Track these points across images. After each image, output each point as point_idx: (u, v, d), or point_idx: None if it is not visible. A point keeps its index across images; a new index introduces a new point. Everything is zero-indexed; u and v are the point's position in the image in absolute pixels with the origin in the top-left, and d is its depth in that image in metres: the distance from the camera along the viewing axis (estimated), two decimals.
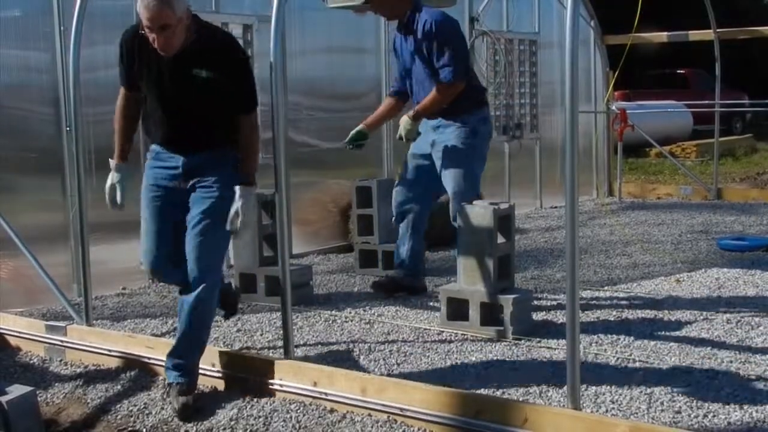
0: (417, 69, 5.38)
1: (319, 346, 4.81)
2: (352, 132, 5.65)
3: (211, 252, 4.04)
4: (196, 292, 3.98)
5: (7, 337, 5.10)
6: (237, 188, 4.00)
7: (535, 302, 5.33)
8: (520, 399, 3.88)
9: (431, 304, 5.57)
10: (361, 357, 4.57)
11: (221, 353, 4.37)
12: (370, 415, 3.80)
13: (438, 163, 5.39)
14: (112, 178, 4.27)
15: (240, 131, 4.06)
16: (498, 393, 4.00)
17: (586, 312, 5.20)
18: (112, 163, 4.27)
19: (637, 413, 3.69)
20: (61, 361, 4.81)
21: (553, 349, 4.55)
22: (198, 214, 4.02)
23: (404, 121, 5.36)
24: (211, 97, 3.98)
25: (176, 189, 4.13)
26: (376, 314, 5.43)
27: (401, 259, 5.72)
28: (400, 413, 3.72)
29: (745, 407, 3.73)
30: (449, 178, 5.34)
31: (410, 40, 5.36)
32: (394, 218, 5.71)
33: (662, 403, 3.78)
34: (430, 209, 5.72)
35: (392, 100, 5.74)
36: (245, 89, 4.04)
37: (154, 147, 4.22)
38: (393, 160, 8.20)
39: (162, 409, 4.06)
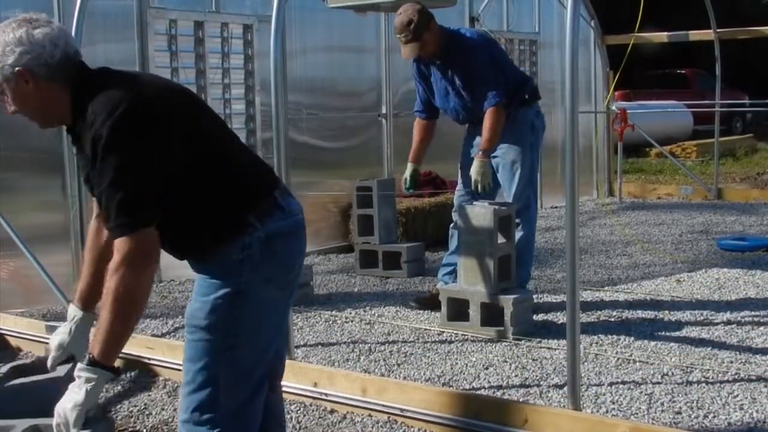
0: (460, 95, 5.17)
1: (320, 346, 4.81)
2: (407, 175, 5.42)
3: None
4: None
5: (7, 338, 5.09)
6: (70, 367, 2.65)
7: (535, 302, 5.32)
8: (520, 399, 3.88)
9: None
10: (362, 357, 4.57)
11: None
12: (370, 415, 3.80)
13: (495, 161, 5.22)
14: None
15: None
16: (498, 393, 4.00)
17: (586, 312, 5.20)
18: None
19: (637, 413, 3.69)
20: None
21: (553, 349, 4.54)
22: None
23: (477, 166, 5.06)
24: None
25: None
26: (376, 315, 5.42)
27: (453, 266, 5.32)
28: (401, 414, 3.72)
29: (746, 407, 3.72)
30: (508, 178, 5.21)
31: (450, 70, 5.14)
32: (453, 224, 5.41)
33: (662, 404, 3.78)
34: None
35: (425, 123, 5.49)
36: (99, 184, 2.38)
37: None
38: (393, 160, 8.20)
39: (162, 409, 4.06)
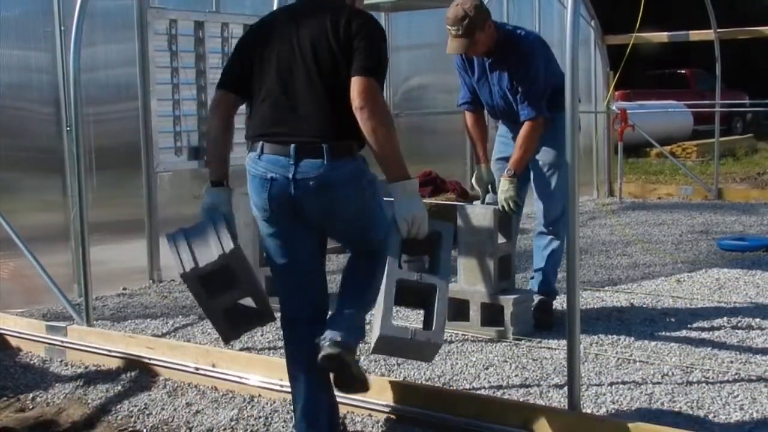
0: (504, 96, 4.95)
1: None
2: (485, 180, 5.02)
3: None
4: None
5: (8, 338, 5.10)
6: None
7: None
8: (520, 399, 3.89)
9: None
10: (361, 357, 4.57)
11: (221, 354, 4.37)
12: (370, 415, 3.80)
13: (530, 165, 5.00)
14: None
15: None
16: (498, 393, 4.00)
17: (586, 312, 5.20)
18: None
19: (637, 413, 3.69)
20: (61, 361, 4.81)
21: (553, 349, 4.54)
22: None
23: (504, 187, 4.79)
24: None
25: None
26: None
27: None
28: (401, 414, 3.72)
29: (746, 408, 3.73)
30: (546, 184, 5.01)
31: (499, 70, 4.89)
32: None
33: (662, 404, 3.78)
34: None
35: (476, 116, 5.13)
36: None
37: None
38: None
39: (162, 409, 4.06)
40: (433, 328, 3.18)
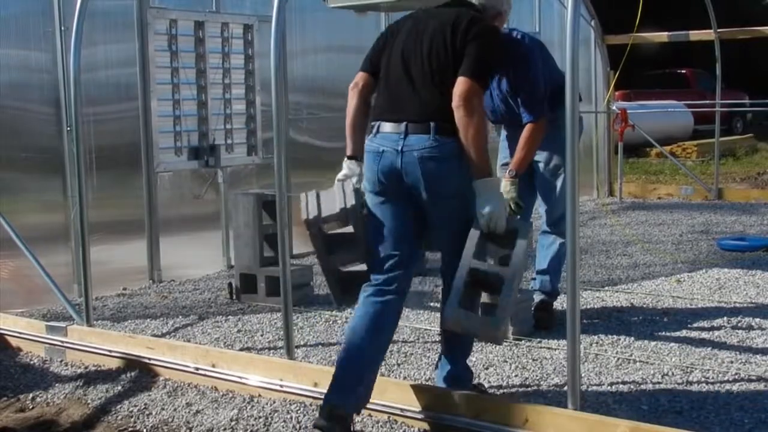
0: (505, 100, 4.95)
1: (320, 346, 4.81)
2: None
3: None
4: None
5: (8, 338, 5.10)
6: None
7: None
8: (521, 399, 3.88)
9: (431, 304, 5.57)
10: None
11: (221, 354, 4.37)
12: (370, 415, 3.80)
13: (534, 165, 5.00)
14: None
15: None
16: (498, 393, 4.00)
17: (586, 312, 5.20)
18: None
19: (637, 413, 3.69)
20: (61, 361, 4.81)
21: (553, 349, 4.54)
22: None
23: (506, 188, 4.73)
24: None
25: None
26: None
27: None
28: (401, 413, 3.72)
29: (746, 407, 3.72)
30: (550, 185, 5.01)
31: (498, 74, 4.84)
32: None
33: (663, 404, 3.78)
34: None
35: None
36: None
37: None
38: None
39: (162, 409, 4.06)
40: (497, 312, 3.51)
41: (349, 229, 3.65)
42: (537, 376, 4.20)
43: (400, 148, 3.52)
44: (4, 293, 5.60)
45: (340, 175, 3.78)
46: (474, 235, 3.50)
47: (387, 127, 3.58)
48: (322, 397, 3.91)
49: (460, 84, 3.44)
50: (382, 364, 4.43)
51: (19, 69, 5.91)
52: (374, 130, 3.64)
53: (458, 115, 3.43)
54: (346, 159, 3.77)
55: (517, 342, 4.70)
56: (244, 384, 4.17)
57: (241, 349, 4.75)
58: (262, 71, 7.06)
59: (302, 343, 4.85)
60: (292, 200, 4.45)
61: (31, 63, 5.95)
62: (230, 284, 6.01)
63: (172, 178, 6.66)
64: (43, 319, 5.29)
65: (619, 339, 4.73)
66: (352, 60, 8.14)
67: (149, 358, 4.51)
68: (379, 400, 3.77)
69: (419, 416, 3.68)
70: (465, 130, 3.41)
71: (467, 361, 3.87)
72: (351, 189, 3.68)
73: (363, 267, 3.70)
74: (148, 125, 6.42)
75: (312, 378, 4.00)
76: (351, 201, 3.63)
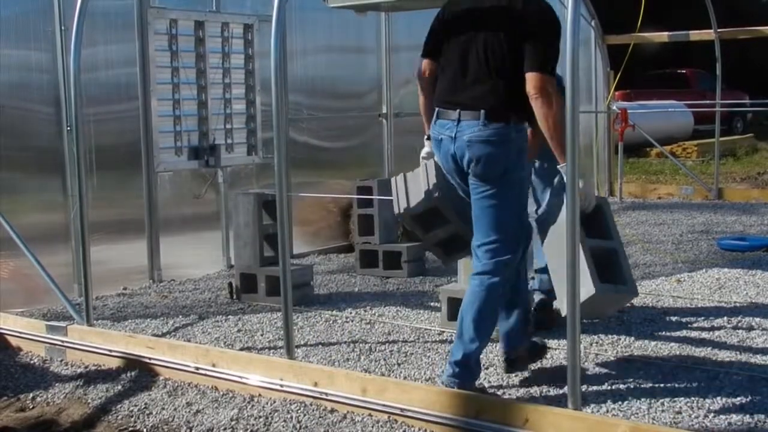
0: None
1: (320, 346, 4.82)
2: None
3: None
4: None
5: (8, 337, 5.10)
6: None
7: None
8: (521, 399, 3.88)
9: (432, 304, 5.57)
10: (362, 357, 4.58)
11: (222, 354, 4.37)
12: (370, 415, 3.80)
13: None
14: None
15: None
16: (498, 393, 4.00)
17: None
18: None
19: (637, 413, 3.69)
20: (61, 361, 4.81)
21: (554, 349, 4.54)
22: None
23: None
24: None
25: None
26: (376, 314, 5.43)
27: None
28: (401, 413, 3.72)
29: (746, 407, 3.72)
30: (543, 183, 5.06)
31: None
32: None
33: (663, 404, 3.78)
34: None
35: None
36: None
37: None
38: (393, 160, 8.20)
39: (162, 409, 4.06)
40: (627, 283, 3.76)
41: (436, 205, 3.91)
42: (537, 376, 4.20)
43: (453, 135, 3.75)
44: (4, 293, 5.60)
45: (423, 153, 4.05)
46: (562, 213, 3.72)
47: (443, 114, 3.81)
48: (322, 396, 3.93)
49: (531, 79, 3.60)
50: (383, 363, 4.44)
51: (19, 69, 5.91)
52: (434, 118, 3.89)
53: (536, 106, 3.60)
54: (425, 139, 4.04)
55: None
56: (244, 384, 4.18)
57: (242, 349, 4.75)
58: (262, 71, 7.06)
59: (302, 342, 4.85)
60: (293, 200, 4.44)
61: (31, 63, 5.95)
62: (230, 284, 6.01)
63: (172, 178, 6.67)
64: (44, 319, 5.29)
65: (619, 339, 4.73)
66: (352, 60, 8.22)
67: (149, 358, 4.51)
68: (380, 400, 3.78)
69: (419, 416, 3.68)
70: (545, 119, 3.60)
71: (479, 358, 3.93)
72: (433, 167, 3.92)
73: (460, 230, 3.97)
74: (148, 125, 6.42)
75: (312, 378, 4.00)
76: (432, 180, 3.87)
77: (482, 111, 3.67)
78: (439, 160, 3.90)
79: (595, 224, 3.86)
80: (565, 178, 3.46)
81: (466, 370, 3.81)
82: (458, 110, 3.75)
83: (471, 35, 3.77)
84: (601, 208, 3.88)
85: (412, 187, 3.99)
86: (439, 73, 3.90)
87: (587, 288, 3.63)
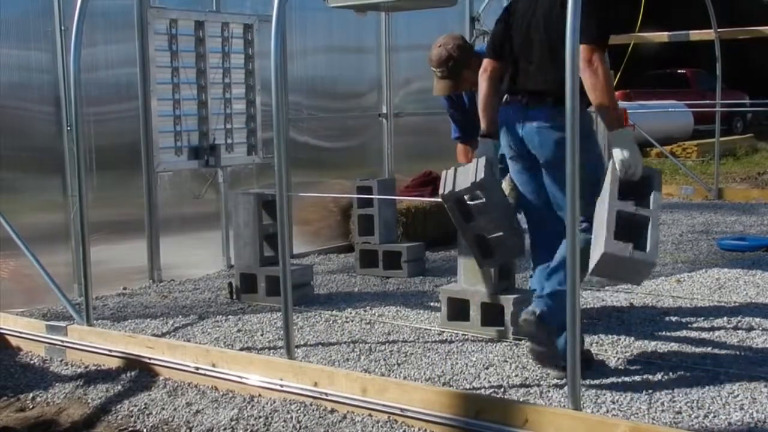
0: None
1: (320, 346, 4.82)
2: None
3: None
4: None
5: (8, 337, 5.10)
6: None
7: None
8: (521, 399, 3.88)
9: (431, 304, 5.57)
10: (362, 357, 4.58)
11: (221, 354, 4.37)
12: (370, 415, 3.80)
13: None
14: None
15: None
16: (498, 393, 4.00)
17: (586, 312, 5.20)
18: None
19: (637, 413, 3.69)
20: (61, 361, 4.81)
21: None
22: None
23: (506, 191, 4.53)
24: None
25: None
26: (376, 314, 5.43)
27: None
28: (401, 413, 3.72)
29: (746, 407, 3.72)
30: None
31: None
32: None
33: (663, 404, 3.78)
34: None
35: (466, 146, 5.24)
36: None
37: None
38: (393, 160, 8.20)
39: (162, 409, 4.06)
40: (648, 249, 3.62)
41: (481, 200, 4.02)
42: (537, 376, 4.20)
43: (521, 120, 3.99)
44: (4, 293, 5.60)
45: (478, 151, 4.21)
46: (614, 178, 3.74)
47: (511, 99, 4.05)
48: (322, 396, 3.93)
49: (580, 51, 3.62)
50: (383, 363, 4.44)
51: (19, 69, 5.91)
52: (504, 103, 4.11)
53: (583, 77, 3.70)
54: (479, 137, 4.21)
55: (517, 342, 4.70)
56: (244, 384, 4.18)
57: (241, 349, 4.75)
58: (262, 71, 7.06)
59: (302, 342, 4.85)
60: (293, 200, 4.46)
61: (31, 63, 5.95)
62: (230, 284, 6.01)
63: (172, 178, 6.67)
64: (44, 319, 5.29)
65: (619, 339, 4.73)
66: (352, 60, 8.22)
67: (149, 358, 4.51)
68: (380, 400, 3.78)
69: (419, 416, 3.68)
70: (592, 89, 3.75)
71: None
72: (483, 163, 4.04)
73: (500, 233, 4.06)
74: (148, 125, 6.42)
75: (312, 378, 4.00)
76: (481, 174, 3.98)
77: (548, 98, 3.89)
78: (506, 143, 4.11)
79: (637, 192, 3.81)
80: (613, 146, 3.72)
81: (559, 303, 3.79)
82: (526, 98, 4.00)
83: (532, 23, 4.01)
84: (650, 179, 3.85)
85: (460, 177, 4.11)
86: (510, 64, 4.12)
87: (600, 248, 3.65)
